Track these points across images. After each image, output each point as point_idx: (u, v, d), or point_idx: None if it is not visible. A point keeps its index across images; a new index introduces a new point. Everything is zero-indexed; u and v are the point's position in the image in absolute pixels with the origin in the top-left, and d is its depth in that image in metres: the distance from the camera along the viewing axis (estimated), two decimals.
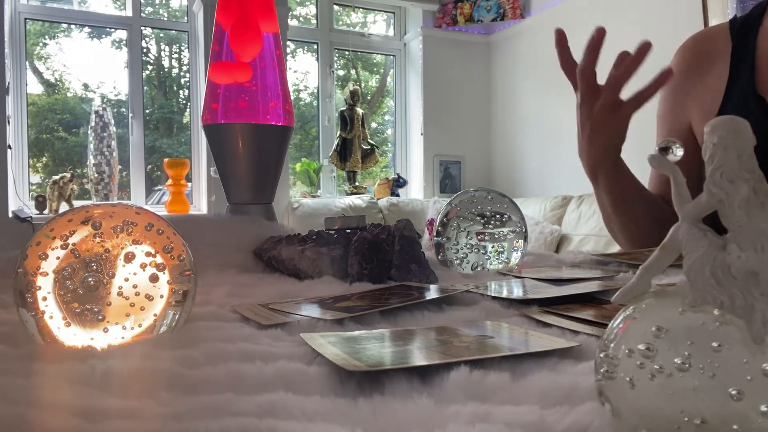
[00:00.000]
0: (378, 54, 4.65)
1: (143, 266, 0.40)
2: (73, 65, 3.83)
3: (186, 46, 3.96)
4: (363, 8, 4.54)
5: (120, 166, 3.56)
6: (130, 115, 3.70)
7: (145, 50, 3.96)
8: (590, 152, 0.85)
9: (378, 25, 4.70)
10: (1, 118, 3.02)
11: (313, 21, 4.37)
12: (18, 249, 0.45)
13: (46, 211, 3.25)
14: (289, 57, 4.12)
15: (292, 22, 4.15)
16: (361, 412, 0.28)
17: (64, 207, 3.22)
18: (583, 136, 0.84)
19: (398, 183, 4.24)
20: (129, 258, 0.40)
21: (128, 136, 3.70)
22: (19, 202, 3.31)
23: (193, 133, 3.88)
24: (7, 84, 3.14)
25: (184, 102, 4.09)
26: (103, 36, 3.86)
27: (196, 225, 0.95)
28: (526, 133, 4.08)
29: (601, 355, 0.25)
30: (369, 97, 4.72)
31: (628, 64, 0.76)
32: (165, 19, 4.04)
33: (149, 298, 0.40)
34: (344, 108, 4.15)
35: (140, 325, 0.40)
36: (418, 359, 0.35)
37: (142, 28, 3.80)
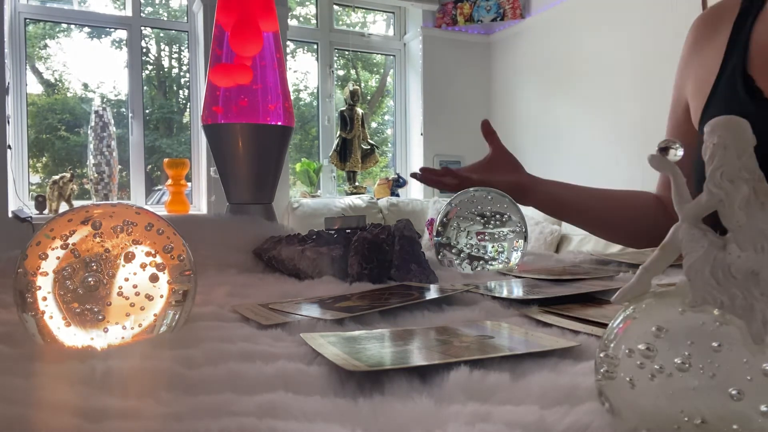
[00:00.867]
0: (378, 54, 4.65)
1: (143, 266, 0.40)
2: (73, 65, 3.83)
3: (186, 46, 3.96)
4: (363, 8, 4.54)
5: (120, 166, 3.56)
6: (130, 115, 3.70)
7: (145, 50, 3.96)
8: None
9: (378, 25, 4.70)
10: (1, 118, 3.02)
11: (313, 21, 4.37)
12: (18, 249, 0.45)
13: (46, 211, 3.25)
14: (289, 57, 4.12)
15: (292, 22, 4.15)
16: (361, 412, 0.28)
17: (64, 207, 3.22)
18: None
19: (398, 183, 4.24)
20: (129, 258, 0.40)
21: (128, 136, 3.70)
22: (19, 202, 3.31)
23: (193, 133, 3.88)
24: (7, 84, 3.14)
25: (184, 102, 4.09)
26: (103, 36, 3.86)
27: (196, 225, 0.95)
28: (526, 133, 4.08)
29: (601, 355, 0.25)
30: (369, 97, 4.72)
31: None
32: (165, 19, 4.04)
33: (149, 298, 0.40)
34: (344, 108, 4.15)
35: (140, 325, 0.40)
36: (418, 359, 0.35)
37: (142, 28, 3.80)
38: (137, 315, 0.40)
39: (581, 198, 0.97)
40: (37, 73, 3.78)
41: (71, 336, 0.39)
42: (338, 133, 4.15)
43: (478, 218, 0.76)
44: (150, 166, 3.89)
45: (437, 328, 0.44)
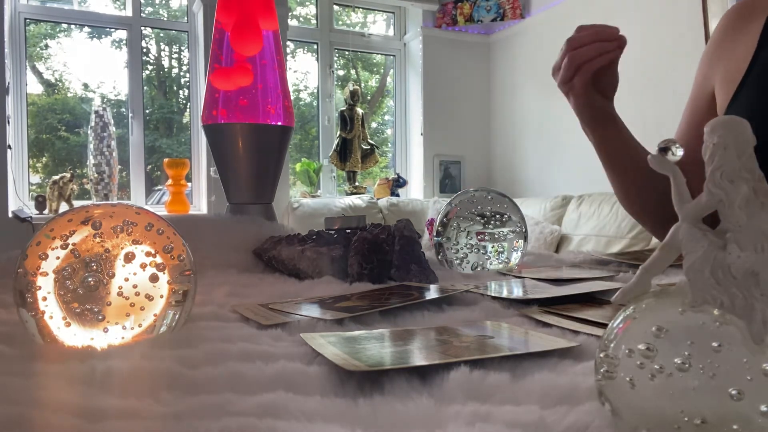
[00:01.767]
0: (378, 54, 4.65)
1: (143, 266, 0.40)
2: (73, 65, 3.83)
3: (186, 46, 3.96)
4: (363, 8, 4.54)
5: (120, 166, 3.56)
6: (130, 115, 3.70)
7: (145, 50, 3.95)
8: (577, 115, 0.92)
9: (378, 25, 4.70)
10: (1, 118, 3.02)
11: (313, 21, 4.37)
12: (18, 249, 0.45)
13: (46, 211, 3.25)
14: (289, 57, 4.12)
15: (292, 22, 4.15)
16: (361, 412, 0.28)
17: (64, 207, 3.22)
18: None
19: (398, 183, 4.24)
20: (129, 258, 0.40)
21: (128, 136, 3.70)
22: (19, 202, 3.31)
23: (193, 133, 3.88)
24: (7, 84, 3.14)
25: (184, 102, 4.09)
26: (103, 36, 3.86)
27: (196, 225, 0.95)
28: (526, 133, 4.08)
29: (601, 355, 0.25)
30: (369, 97, 4.72)
31: (580, 41, 0.82)
32: (165, 19, 4.04)
33: (149, 298, 0.40)
34: (344, 108, 4.15)
35: (140, 325, 0.40)
36: (418, 359, 0.35)
37: (142, 28, 3.80)
38: (137, 315, 0.40)
39: (639, 151, 0.95)
40: (37, 73, 3.78)
41: (71, 336, 0.39)
42: (338, 133, 4.15)
43: (478, 218, 0.76)
44: (150, 166, 3.89)
45: (437, 328, 0.44)
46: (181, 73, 4.14)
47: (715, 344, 0.22)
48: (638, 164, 0.92)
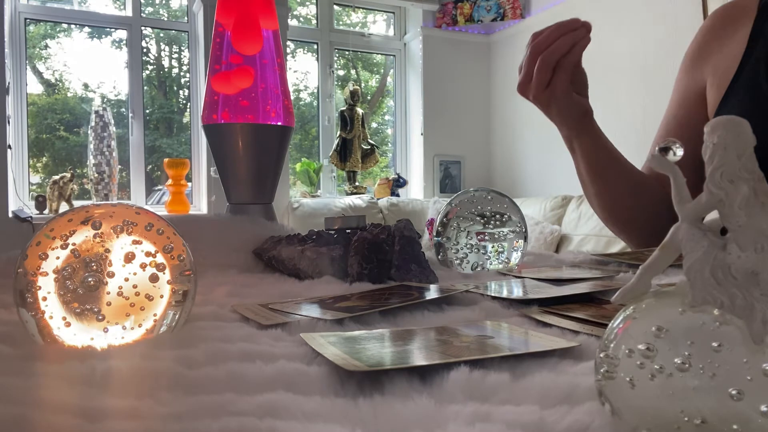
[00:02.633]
0: (378, 54, 4.65)
1: (143, 266, 0.40)
2: (74, 65, 3.83)
3: (186, 46, 3.96)
4: (363, 8, 4.54)
5: (120, 166, 3.56)
6: (130, 115, 3.70)
7: (145, 50, 3.96)
8: (556, 124, 0.90)
9: (378, 25, 4.70)
10: (1, 118, 3.02)
11: (313, 21, 4.37)
12: (18, 249, 0.45)
13: (46, 211, 3.25)
14: (289, 57, 4.12)
15: (292, 22, 4.15)
16: (361, 412, 0.28)
17: (64, 207, 3.22)
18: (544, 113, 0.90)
19: (398, 183, 4.24)
20: (129, 258, 0.40)
21: (128, 136, 3.70)
22: (19, 202, 3.31)
23: (193, 133, 3.88)
24: (7, 84, 3.14)
25: (184, 102, 4.09)
26: (103, 36, 3.86)
27: (196, 225, 0.95)
28: (526, 133, 4.08)
29: (601, 355, 0.25)
30: (369, 97, 4.72)
31: (547, 36, 0.80)
32: (165, 19, 4.04)
33: (149, 298, 0.40)
34: (344, 108, 4.15)
35: (140, 325, 0.40)
36: (418, 359, 0.35)
37: (142, 28, 3.80)
38: (137, 315, 0.40)
39: (620, 157, 0.93)
40: (38, 73, 3.78)
41: (71, 336, 0.39)
42: (338, 133, 4.15)
43: (478, 218, 0.76)
44: (150, 166, 3.89)
45: (437, 328, 0.44)
46: (181, 73, 4.14)
47: (715, 344, 0.23)
48: (624, 168, 0.93)
